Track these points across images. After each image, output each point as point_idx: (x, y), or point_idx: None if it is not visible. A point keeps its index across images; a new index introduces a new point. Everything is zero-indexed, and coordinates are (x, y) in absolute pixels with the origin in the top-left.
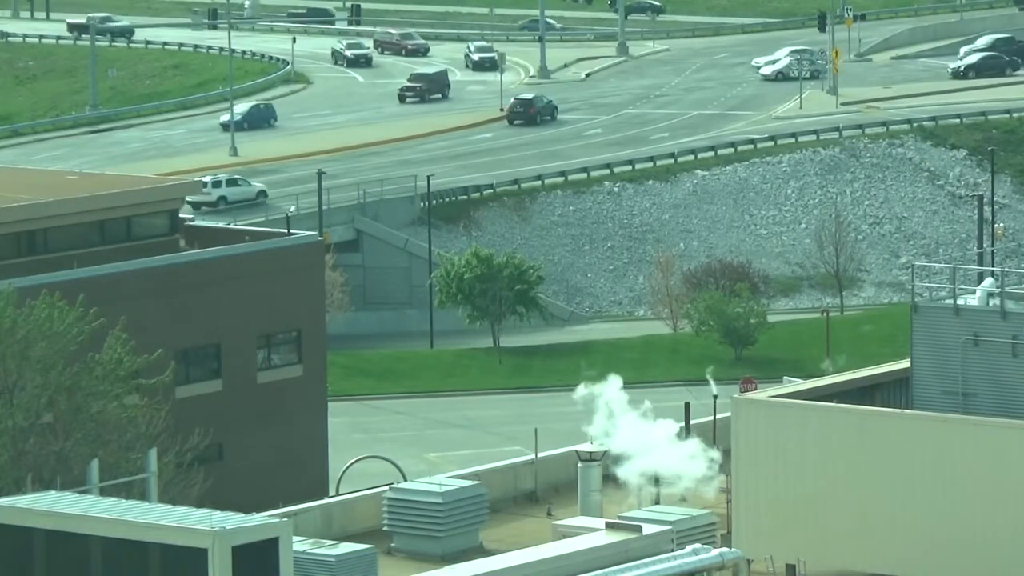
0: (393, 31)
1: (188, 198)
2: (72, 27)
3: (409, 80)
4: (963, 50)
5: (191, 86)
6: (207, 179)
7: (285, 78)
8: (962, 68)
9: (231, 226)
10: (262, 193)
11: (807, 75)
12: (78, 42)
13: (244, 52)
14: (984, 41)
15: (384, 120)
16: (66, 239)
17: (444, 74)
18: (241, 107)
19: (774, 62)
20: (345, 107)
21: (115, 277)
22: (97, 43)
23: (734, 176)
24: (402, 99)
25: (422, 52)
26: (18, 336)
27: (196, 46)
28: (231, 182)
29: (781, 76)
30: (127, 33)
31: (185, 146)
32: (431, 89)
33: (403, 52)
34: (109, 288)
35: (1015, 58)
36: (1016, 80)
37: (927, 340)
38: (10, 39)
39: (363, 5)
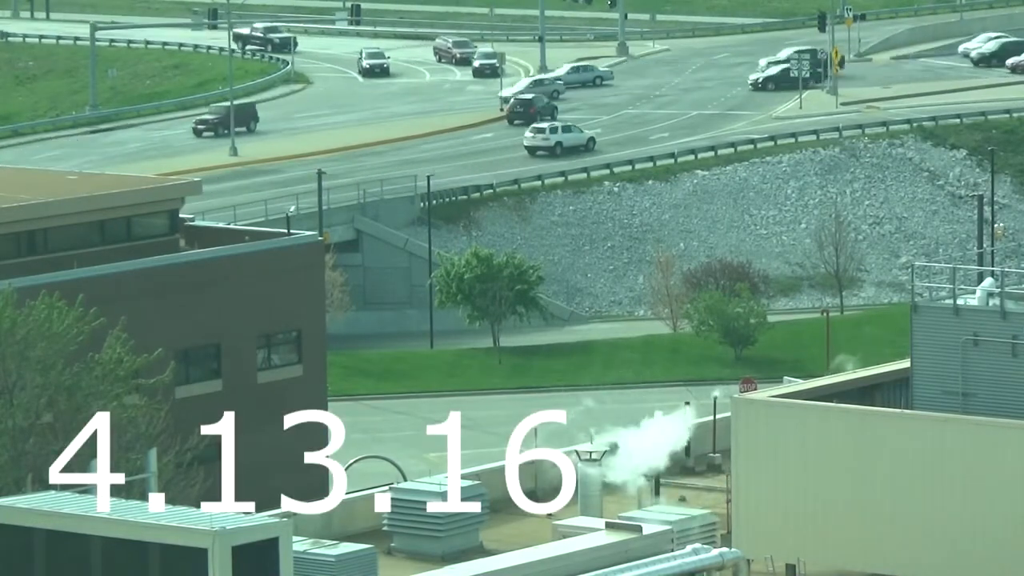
0: (448, 39)
1: (526, 143)
2: (238, 37)
3: (208, 111)
4: (762, 62)
5: (191, 86)
6: (544, 125)
7: (285, 78)
8: (760, 80)
9: (231, 226)
10: (591, 140)
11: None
12: (78, 42)
13: (244, 52)
14: (785, 54)
15: (384, 120)
16: (66, 239)
17: (251, 107)
18: None
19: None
20: (345, 107)
21: (115, 277)
22: (98, 43)
23: (734, 176)
24: (197, 133)
25: (471, 62)
26: (18, 336)
27: (196, 46)
28: (566, 128)
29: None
30: (290, 45)
31: (185, 146)
32: (227, 122)
33: (453, 60)
34: (109, 288)
35: (818, 70)
36: (1017, 80)
37: (927, 340)
38: (10, 39)
39: (363, 5)
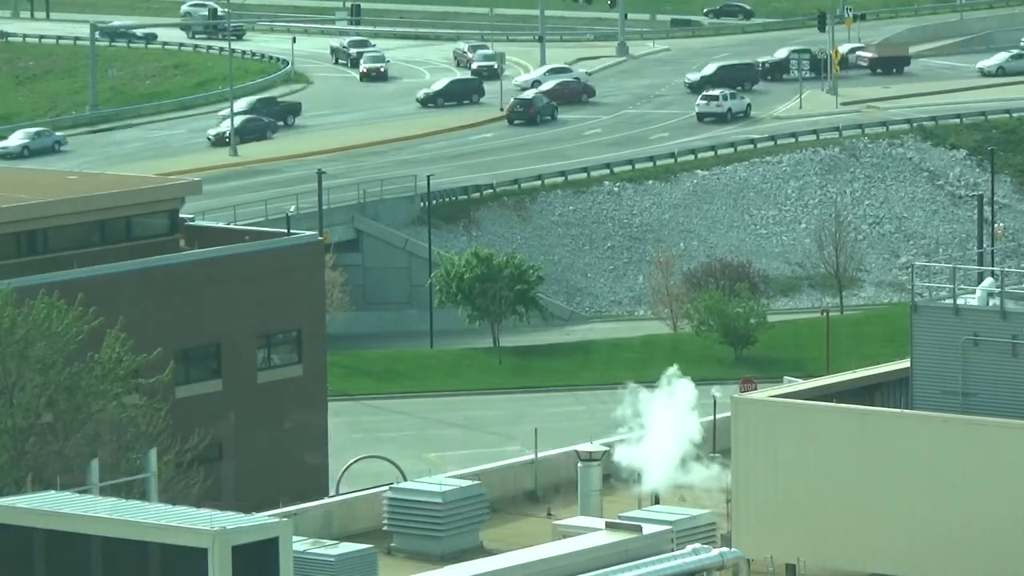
0: (464, 46)
1: (698, 110)
2: (333, 49)
3: None
4: (221, 113)
5: (191, 86)
6: (716, 92)
7: (285, 78)
8: (227, 134)
9: (231, 226)
10: (749, 106)
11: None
12: (78, 42)
13: (244, 52)
14: (244, 103)
15: (384, 120)
16: (66, 239)
17: None
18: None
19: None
20: (345, 107)
21: (115, 277)
22: (98, 43)
23: (734, 176)
24: None
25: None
26: (17, 336)
27: (196, 46)
28: (732, 96)
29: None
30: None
31: (185, 146)
32: None
33: (469, 64)
34: (109, 288)
35: (272, 120)
36: (1017, 80)
37: (927, 340)
38: (10, 39)
39: (363, 5)
